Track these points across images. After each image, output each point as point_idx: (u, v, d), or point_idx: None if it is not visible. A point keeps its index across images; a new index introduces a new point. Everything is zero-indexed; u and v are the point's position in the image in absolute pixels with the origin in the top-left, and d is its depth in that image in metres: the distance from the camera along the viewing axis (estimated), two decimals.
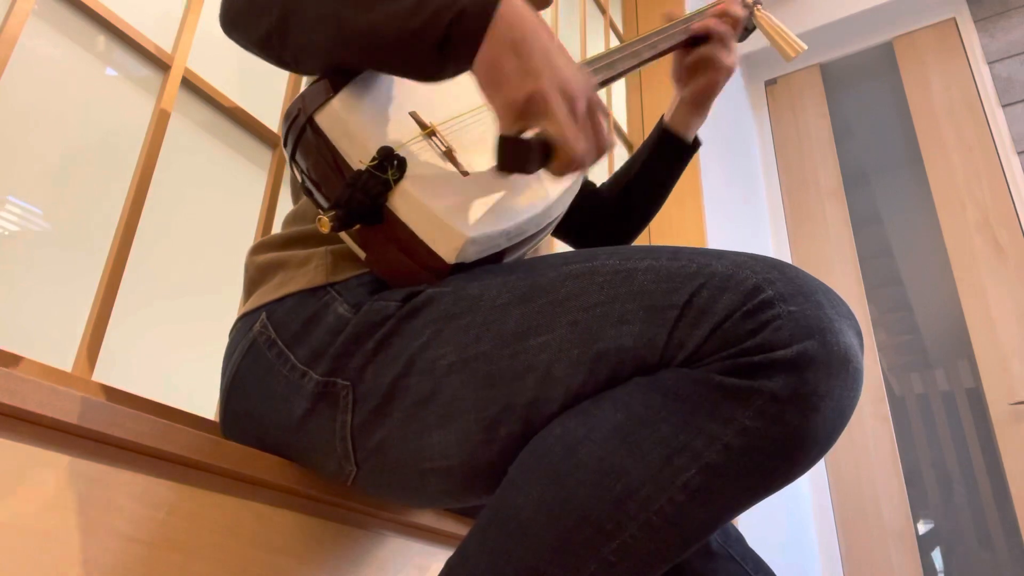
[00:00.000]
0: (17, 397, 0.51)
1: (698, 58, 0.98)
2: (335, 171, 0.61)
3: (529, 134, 0.58)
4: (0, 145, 0.81)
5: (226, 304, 1.02)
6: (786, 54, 1.04)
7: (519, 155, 0.57)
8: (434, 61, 0.58)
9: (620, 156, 2.29)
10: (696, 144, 1.04)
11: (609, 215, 1.07)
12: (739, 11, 1.00)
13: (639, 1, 2.62)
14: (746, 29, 1.10)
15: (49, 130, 0.86)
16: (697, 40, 0.99)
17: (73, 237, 0.87)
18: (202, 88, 1.04)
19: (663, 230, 2.18)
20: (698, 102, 1.00)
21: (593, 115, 0.59)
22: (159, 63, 0.99)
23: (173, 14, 1.03)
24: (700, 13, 1.02)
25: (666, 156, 1.02)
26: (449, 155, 0.65)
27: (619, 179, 1.07)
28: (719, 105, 2.59)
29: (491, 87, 0.57)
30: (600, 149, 0.60)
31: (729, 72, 0.98)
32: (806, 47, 1.05)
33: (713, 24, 0.97)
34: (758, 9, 1.08)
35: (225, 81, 1.09)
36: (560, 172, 0.58)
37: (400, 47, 0.58)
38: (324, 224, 0.57)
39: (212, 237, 1.03)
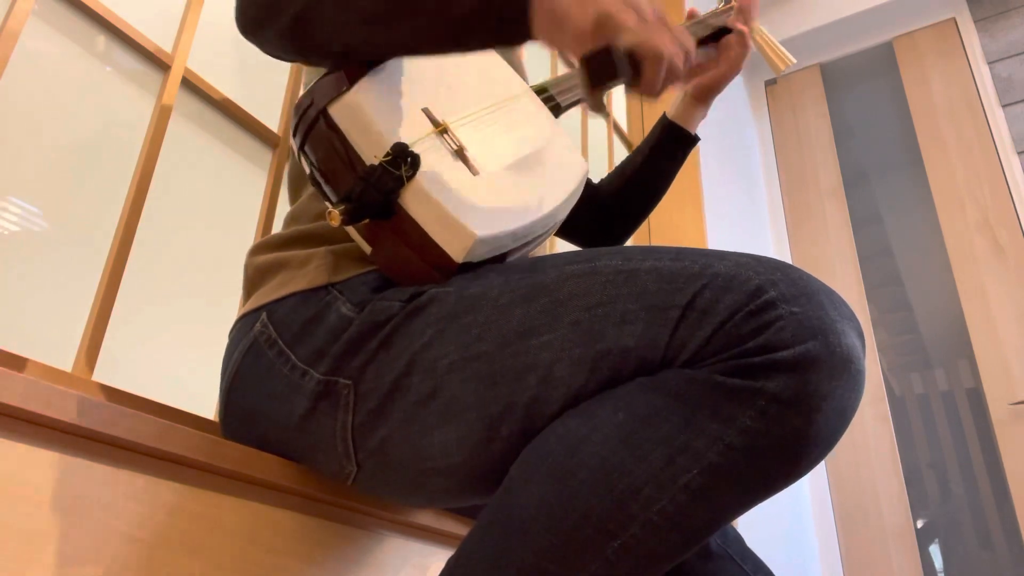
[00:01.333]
0: (17, 397, 0.51)
1: (716, 50, 1.04)
2: (347, 164, 0.61)
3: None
4: (0, 145, 0.81)
5: (226, 304, 1.02)
6: (776, 67, 1.10)
7: (605, 66, 0.53)
8: (495, 31, 0.57)
9: (620, 157, 2.29)
10: (696, 138, 1.08)
11: (608, 211, 1.08)
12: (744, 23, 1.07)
13: None
14: None
15: (49, 130, 0.86)
16: (706, 41, 1.05)
17: (73, 237, 0.86)
18: (202, 88, 1.04)
19: (663, 230, 2.18)
20: (702, 96, 1.05)
21: (663, 19, 0.56)
22: (159, 63, 0.99)
23: (173, 14, 1.03)
24: (703, 20, 1.05)
25: (670, 147, 1.06)
26: (460, 154, 0.65)
27: (620, 173, 1.09)
28: (719, 105, 2.59)
29: (557, 31, 0.54)
30: (685, 50, 0.56)
31: (736, 67, 1.04)
32: (795, 61, 1.10)
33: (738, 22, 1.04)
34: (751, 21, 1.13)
35: (225, 81, 1.09)
36: (653, 84, 0.54)
37: (460, 19, 0.56)
38: (334, 217, 0.57)
39: (212, 237, 1.03)
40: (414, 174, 0.60)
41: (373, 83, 0.64)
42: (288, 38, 0.63)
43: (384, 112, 0.63)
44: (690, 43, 0.57)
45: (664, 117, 1.07)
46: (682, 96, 1.06)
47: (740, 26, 1.04)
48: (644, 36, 0.53)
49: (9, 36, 0.80)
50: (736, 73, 1.04)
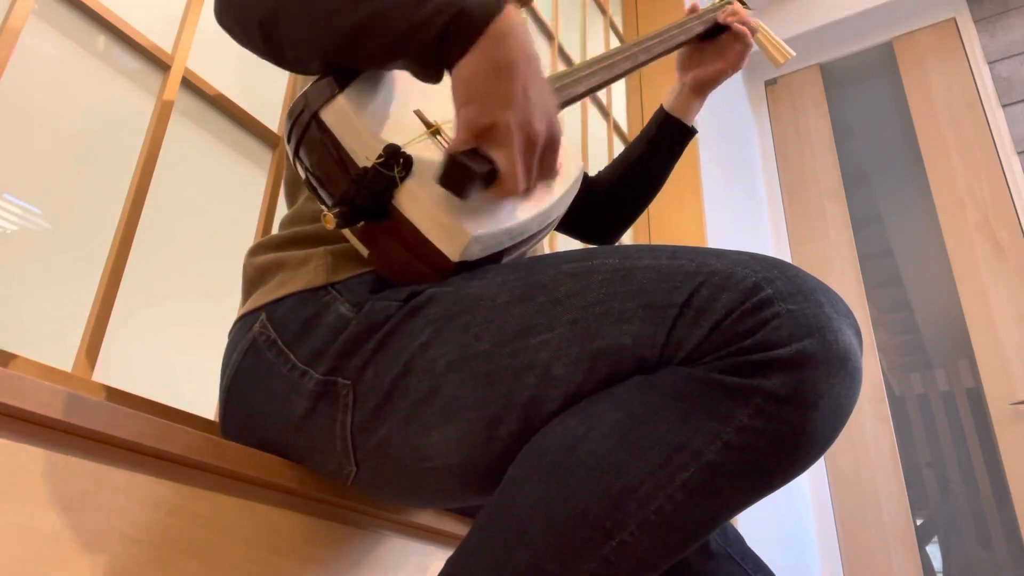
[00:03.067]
0: (17, 397, 0.51)
1: (716, 45, 1.05)
2: (340, 168, 0.61)
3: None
4: (0, 145, 0.81)
5: (226, 304, 1.02)
6: (775, 61, 1.11)
7: (461, 178, 0.58)
8: (430, 60, 0.58)
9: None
10: (694, 130, 1.07)
11: (605, 204, 1.08)
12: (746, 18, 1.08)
13: (639, 1, 2.62)
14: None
15: (49, 130, 0.86)
16: (709, 34, 1.06)
17: (73, 237, 0.87)
18: (202, 88, 1.04)
19: (663, 230, 2.18)
20: (700, 89, 1.05)
21: (547, 155, 0.60)
22: (159, 63, 0.99)
23: (173, 14, 1.03)
24: (702, 15, 1.05)
25: (667, 139, 1.06)
26: None
27: (617, 166, 1.08)
28: (719, 105, 2.59)
29: (461, 99, 0.57)
30: (541, 184, 0.62)
31: (736, 63, 1.05)
32: (795, 54, 1.12)
33: (738, 20, 1.05)
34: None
35: (225, 81, 1.09)
36: (498, 196, 0.60)
37: (397, 41, 0.57)
38: (329, 220, 0.57)
39: (212, 237, 1.03)
40: (407, 175, 0.60)
41: (365, 86, 0.64)
42: (258, 37, 0.63)
43: (376, 114, 0.63)
44: (555, 172, 0.61)
45: (661, 110, 1.06)
46: (679, 88, 1.06)
47: (738, 27, 1.04)
48: (515, 172, 0.57)
49: (9, 36, 0.80)
50: (737, 69, 1.04)
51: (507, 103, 0.56)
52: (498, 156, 0.57)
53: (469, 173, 0.57)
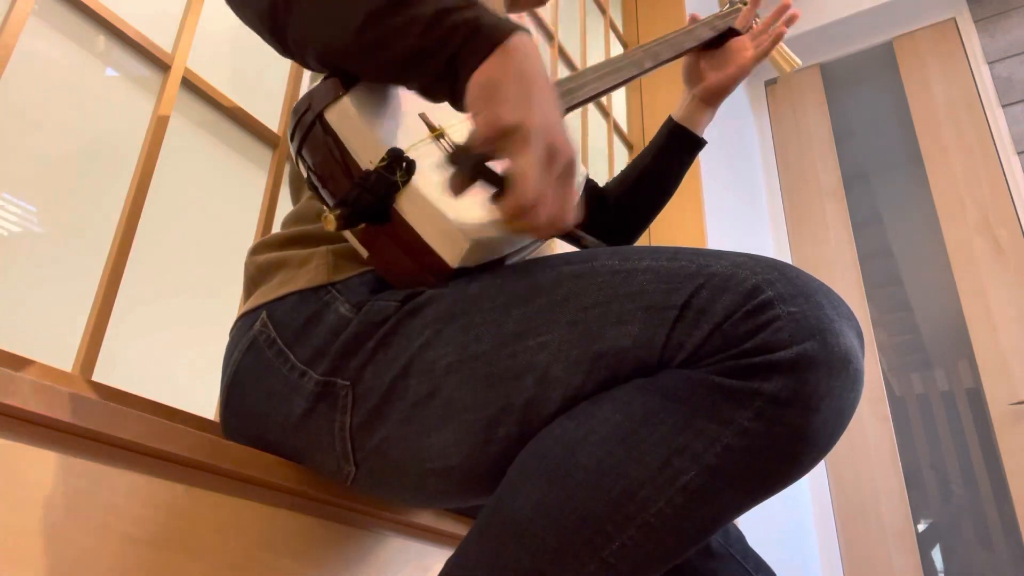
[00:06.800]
0: (17, 397, 0.51)
1: (724, 52, 1.04)
2: (343, 169, 0.61)
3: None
4: (0, 145, 0.81)
5: (226, 304, 1.02)
6: (782, 69, 1.11)
7: (481, 169, 0.55)
8: (437, 76, 0.57)
9: (620, 158, 2.29)
10: (703, 141, 1.06)
11: (613, 215, 1.08)
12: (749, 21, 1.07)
13: (639, 1, 2.62)
14: None
15: (49, 130, 0.86)
16: (712, 43, 1.05)
17: (73, 237, 0.87)
18: (202, 88, 1.04)
19: (663, 230, 2.18)
20: (710, 99, 1.04)
21: (565, 181, 0.55)
22: (159, 63, 0.99)
23: (173, 14, 1.03)
24: (711, 21, 1.05)
25: (677, 149, 1.05)
26: None
27: (626, 176, 1.08)
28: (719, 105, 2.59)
29: (484, 100, 0.53)
30: (558, 219, 0.55)
31: (746, 70, 1.04)
32: (801, 63, 1.11)
33: (744, 21, 1.05)
34: (756, 24, 1.13)
35: (225, 81, 1.09)
36: (505, 212, 0.53)
37: (408, 59, 0.57)
38: (329, 222, 0.58)
39: (212, 237, 1.03)
40: (409, 179, 0.60)
41: (370, 88, 0.64)
42: (264, 23, 0.63)
43: (380, 117, 0.63)
44: (569, 216, 0.55)
45: (670, 120, 1.05)
46: (689, 99, 1.05)
47: (755, 27, 1.03)
48: (531, 176, 0.51)
49: (9, 36, 0.80)
50: (745, 75, 1.04)
51: (530, 107, 0.52)
52: (516, 160, 0.52)
53: (485, 168, 0.55)
